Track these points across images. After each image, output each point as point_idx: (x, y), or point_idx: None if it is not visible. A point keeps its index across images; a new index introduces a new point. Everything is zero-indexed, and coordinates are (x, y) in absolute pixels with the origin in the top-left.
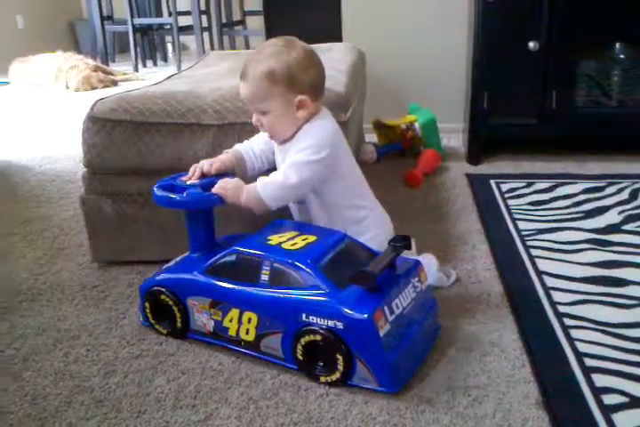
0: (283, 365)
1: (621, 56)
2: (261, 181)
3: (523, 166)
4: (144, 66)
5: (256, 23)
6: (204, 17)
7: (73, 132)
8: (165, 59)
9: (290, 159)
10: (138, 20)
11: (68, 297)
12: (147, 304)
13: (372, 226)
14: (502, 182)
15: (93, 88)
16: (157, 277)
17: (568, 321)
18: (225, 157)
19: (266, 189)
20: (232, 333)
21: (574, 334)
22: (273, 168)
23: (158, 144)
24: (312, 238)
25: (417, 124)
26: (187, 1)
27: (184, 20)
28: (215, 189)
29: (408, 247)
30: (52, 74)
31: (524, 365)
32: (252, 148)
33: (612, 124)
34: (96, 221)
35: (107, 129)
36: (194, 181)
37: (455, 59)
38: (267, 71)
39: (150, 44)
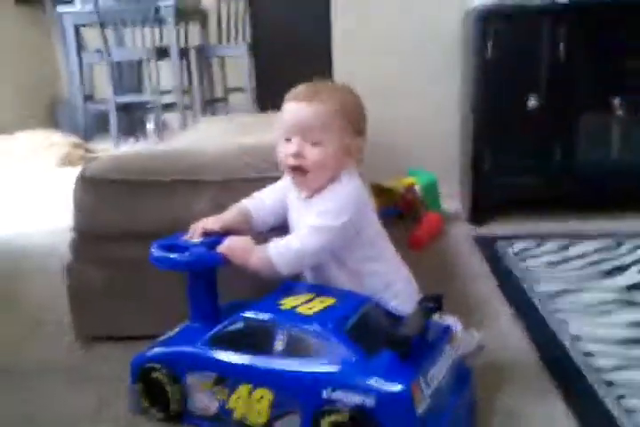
0: None
1: (619, 112)
2: (274, 244)
3: (528, 227)
4: (125, 143)
5: (238, 99)
6: (186, 96)
7: (51, 207)
8: (145, 137)
9: (308, 222)
10: (120, 99)
11: (46, 381)
12: (139, 384)
13: (400, 292)
14: (511, 243)
15: (74, 165)
16: (151, 352)
17: (616, 389)
18: (229, 213)
19: (279, 255)
20: (237, 415)
21: (627, 403)
22: (282, 225)
23: (156, 204)
24: (331, 301)
25: (417, 187)
26: (169, 80)
27: (165, 99)
28: (221, 248)
29: (440, 308)
30: (30, 150)
31: None
32: (262, 200)
33: (617, 179)
34: (81, 292)
35: (99, 189)
36: (196, 239)
37: (448, 123)
38: (343, 100)
39: (131, 123)
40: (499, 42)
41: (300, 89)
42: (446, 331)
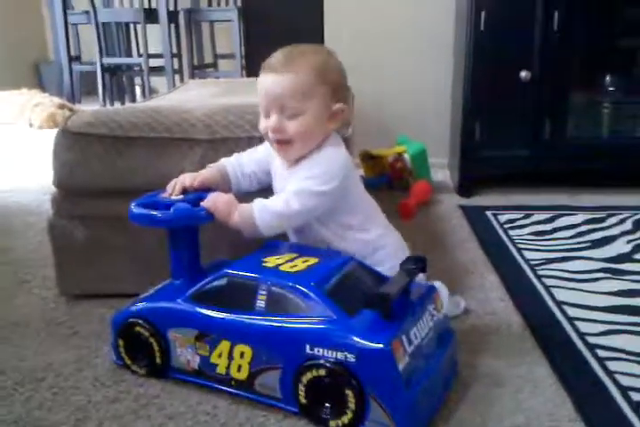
0: (282, 407)
1: (611, 88)
2: (259, 203)
3: (516, 199)
4: (112, 106)
5: (228, 66)
6: (175, 60)
7: (36, 167)
8: (134, 100)
9: (294, 186)
10: (107, 60)
11: (31, 334)
12: (120, 340)
13: (388, 257)
14: (499, 213)
15: (58, 126)
16: (133, 308)
17: (601, 353)
18: (208, 172)
19: (262, 214)
20: (221, 370)
21: (612, 366)
22: (264, 190)
23: (140, 161)
24: (314, 260)
25: (406, 155)
26: (158, 43)
27: (154, 62)
28: (205, 203)
29: (423, 270)
30: (15, 111)
31: (565, 401)
32: (242, 165)
33: (605, 155)
34: (65, 249)
35: (81, 144)
36: (176, 196)
37: (438, 94)
38: (320, 65)
39: (118, 86)
40: (492, 13)
41: (275, 58)
42: (430, 292)
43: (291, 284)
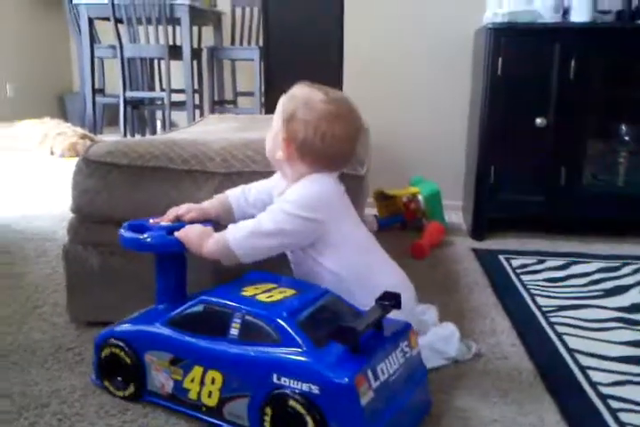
0: None
1: (626, 138)
2: (232, 225)
3: (529, 244)
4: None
5: (247, 103)
6: (196, 95)
7: (54, 194)
8: (154, 133)
9: (271, 206)
10: (130, 93)
11: (38, 359)
12: (100, 360)
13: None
14: (512, 258)
15: (79, 156)
16: (115, 329)
17: (614, 403)
18: (209, 203)
19: (235, 234)
20: (193, 396)
21: (624, 417)
22: None
23: (157, 191)
24: (291, 292)
25: (420, 197)
26: (180, 79)
27: (176, 97)
28: (178, 233)
29: (397, 306)
30: (37, 139)
31: None
32: (248, 195)
33: (621, 204)
34: (78, 275)
35: (101, 172)
36: (164, 223)
37: (454, 136)
38: (289, 94)
39: (140, 119)
40: (509, 60)
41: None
42: (405, 329)
43: (264, 313)
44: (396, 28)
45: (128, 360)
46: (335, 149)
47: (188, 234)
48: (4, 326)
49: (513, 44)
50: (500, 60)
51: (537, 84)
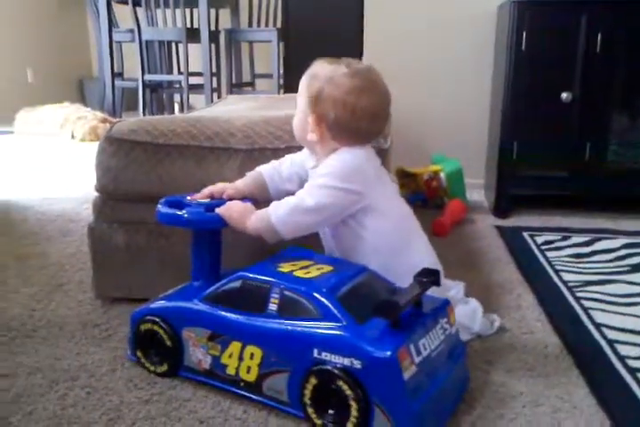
0: (288, 412)
1: None
2: (274, 202)
3: (553, 221)
4: None
5: (265, 85)
6: (213, 78)
7: (76, 177)
8: None
9: (309, 183)
10: (148, 77)
11: (66, 335)
12: (137, 336)
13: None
14: (536, 235)
15: (100, 139)
16: (151, 306)
17: None
18: (241, 182)
19: (277, 212)
20: (231, 371)
21: None
22: None
23: (180, 169)
24: (328, 268)
25: (442, 174)
26: (198, 62)
27: (193, 80)
28: (219, 209)
29: (436, 283)
30: (58, 123)
31: (604, 424)
32: (280, 170)
33: None
34: (104, 253)
35: (124, 151)
36: (201, 200)
37: (477, 113)
38: (310, 73)
39: (158, 102)
40: (534, 34)
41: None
42: (443, 305)
43: (304, 289)
44: (417, 6)
45: (165, 336)
46: (367, 121)
47: (231, 210)
48: (32, 303)
49: (537, 18)
50: (525, 34)
51: (562, 59)
